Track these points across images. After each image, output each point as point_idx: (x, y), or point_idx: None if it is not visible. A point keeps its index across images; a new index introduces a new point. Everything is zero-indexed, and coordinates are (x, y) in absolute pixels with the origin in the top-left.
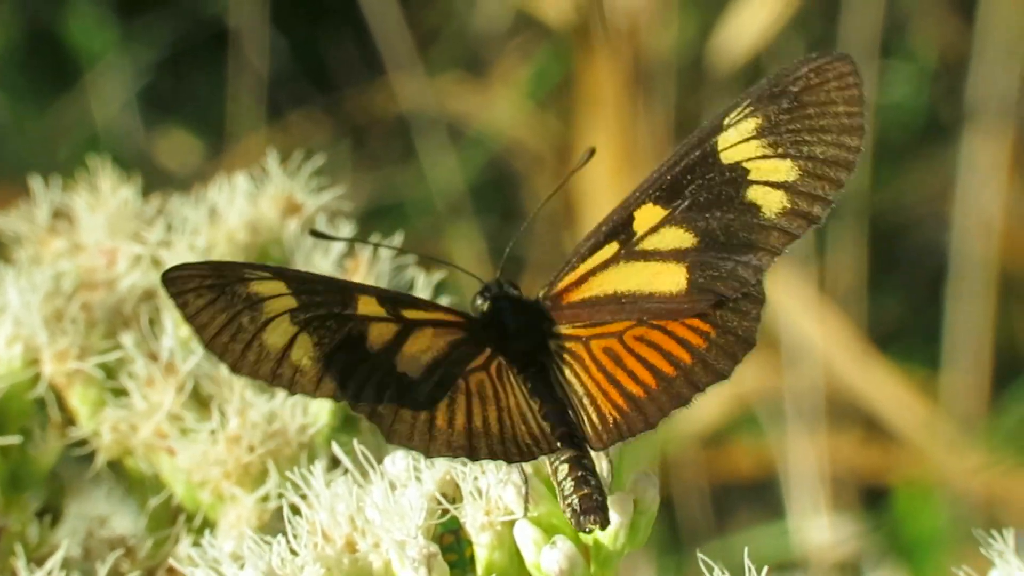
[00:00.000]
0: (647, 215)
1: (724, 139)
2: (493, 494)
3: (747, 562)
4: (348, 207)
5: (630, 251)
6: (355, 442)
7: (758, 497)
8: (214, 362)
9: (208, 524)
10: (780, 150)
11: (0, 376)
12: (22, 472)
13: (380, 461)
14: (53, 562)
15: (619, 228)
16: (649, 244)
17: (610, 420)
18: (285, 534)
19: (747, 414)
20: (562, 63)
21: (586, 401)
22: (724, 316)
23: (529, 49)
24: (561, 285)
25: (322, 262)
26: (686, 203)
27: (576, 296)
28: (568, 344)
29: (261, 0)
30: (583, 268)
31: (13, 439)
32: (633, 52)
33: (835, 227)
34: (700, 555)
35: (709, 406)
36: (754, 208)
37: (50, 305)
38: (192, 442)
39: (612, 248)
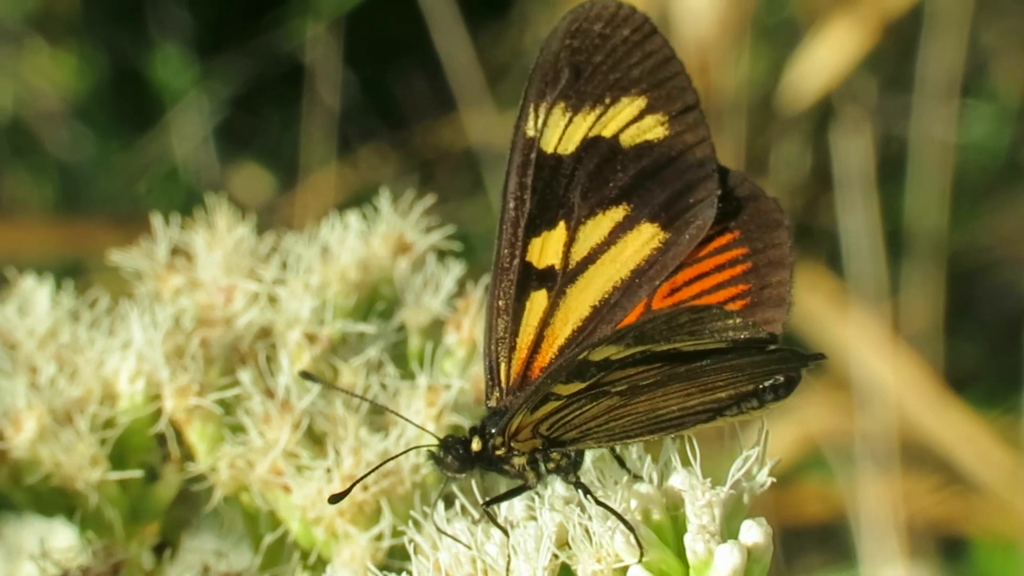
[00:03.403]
0: (548, 243)
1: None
2: (604, 541)
3: None
4: (458, 247)
5: (571, 271)
6: (472, 482)
7: (827, 542)
8: (329, 399)
9: (322, 562)
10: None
11: (123, 411)
12: (142, 506)
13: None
14: None
15: (530, 279)
16: (581, 251)
17: None
18: (408, 572)
19: (816, 456)
20: None
21: None
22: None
23: None
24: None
25: (432, 301)
26: (576, 195)
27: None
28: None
29: (335, 38)
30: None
31: (134, 473)
32: (702, 89)
33: (909, 267)
34: None
35: (777, 446)
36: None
37: (171, 341)
38: (307, 479)
39: (542, 295)
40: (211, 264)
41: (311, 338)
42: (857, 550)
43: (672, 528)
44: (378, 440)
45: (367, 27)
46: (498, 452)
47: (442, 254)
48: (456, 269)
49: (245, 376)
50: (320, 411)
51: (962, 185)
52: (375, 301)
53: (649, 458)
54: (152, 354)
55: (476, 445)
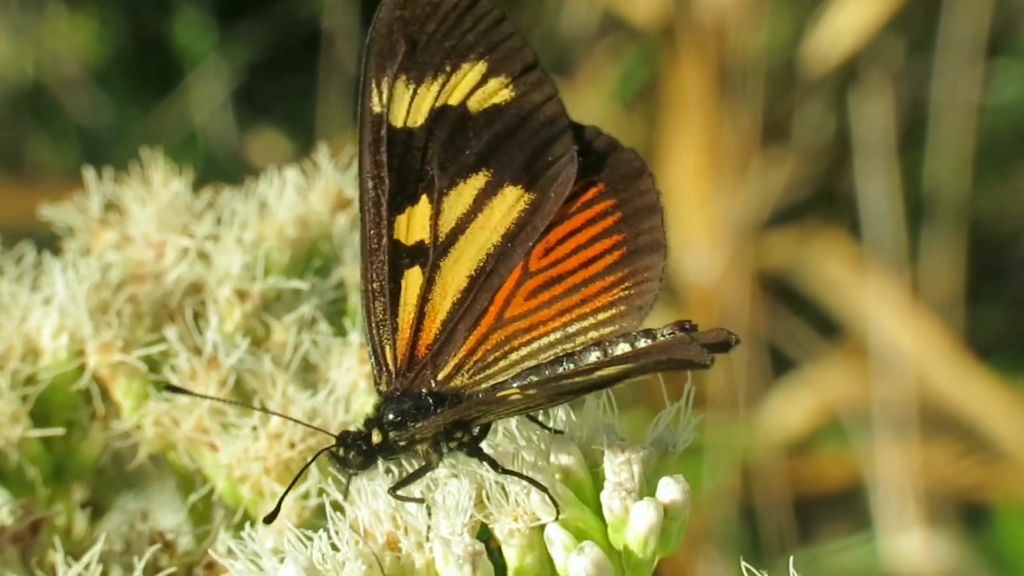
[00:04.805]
0: (413, 219)
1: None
2: (520, 499)
3: None
4: None
5: (441, 244)
6: None
7: (844, 508)
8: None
9: (248, 520)
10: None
11: (46, 367)
12: (66, 464)
13: None
14: (90, 556)
15: (401, 257)
16: (448, 222)
17: None
18: (327, 530)
19: (833, 422)
20: (649, 65)
21: None
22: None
23: (616, 51)
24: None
25: None
26: (433, 167)
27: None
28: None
29: (353, 3)
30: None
31: (57, 431)
32: (721, 53)
33: (930, 232)
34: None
35: (793, 413)
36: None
37: (96, 297)
38: (234, 437)
39: (416, 272)
40: (143, 219)
41: (242, 295)
42: (875, 518)
43: (592, 485)
44: (306, 397)
45: None
46: (401, 443)
47: None
48: None
49: (172, 333)
50: (248, 368)
51: (990, 148)
52: (313, 257)
53: (573, 415)
54: (75, 310)
55: (376, 437)
